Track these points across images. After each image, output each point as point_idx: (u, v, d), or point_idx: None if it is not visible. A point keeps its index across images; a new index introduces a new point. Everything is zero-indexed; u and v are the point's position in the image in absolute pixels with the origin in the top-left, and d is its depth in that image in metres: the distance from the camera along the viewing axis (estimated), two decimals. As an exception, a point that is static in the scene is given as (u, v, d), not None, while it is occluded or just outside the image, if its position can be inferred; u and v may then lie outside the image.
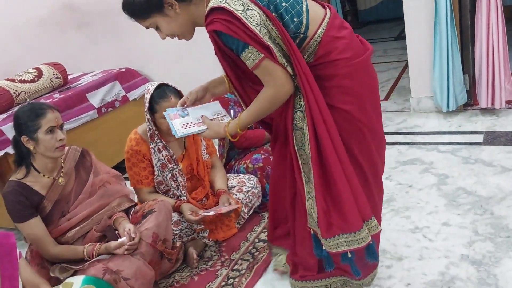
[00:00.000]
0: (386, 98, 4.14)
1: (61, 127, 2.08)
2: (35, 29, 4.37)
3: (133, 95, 3.80)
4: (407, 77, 4.30)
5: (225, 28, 1.46)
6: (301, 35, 1.55)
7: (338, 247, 1.65)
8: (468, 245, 2.13)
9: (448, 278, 1.97)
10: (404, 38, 3.70)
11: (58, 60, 3.87)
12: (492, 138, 3.04)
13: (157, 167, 2.48)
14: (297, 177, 1.72)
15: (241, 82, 1.67)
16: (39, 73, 3.56)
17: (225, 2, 1.46)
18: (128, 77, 3.77)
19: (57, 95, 3.39)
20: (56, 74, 3.65)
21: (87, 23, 4.17)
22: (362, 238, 1.64)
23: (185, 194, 2.53)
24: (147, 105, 2.39)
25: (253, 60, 1.49)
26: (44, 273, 2.09)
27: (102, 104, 3.51)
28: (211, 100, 1.91)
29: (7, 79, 3.40)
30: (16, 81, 3.40)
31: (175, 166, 2.50)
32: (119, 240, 2.08)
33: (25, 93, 3.37)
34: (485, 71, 3.27)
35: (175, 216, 2.43)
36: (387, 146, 3.17)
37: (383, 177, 2.80)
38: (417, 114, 3.66)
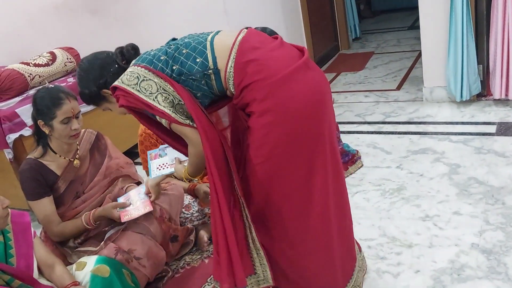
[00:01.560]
0: (399, 88, 4.12)
1: (76, 116, 2.11)
2: (48, 15, 4.39)
3: (145, 80, 3.81)
4: (419, 67, 4.28)
5: (127, 102, 1.54)
6: (211, 70, 1.51)
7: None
8: (478, 234, 2.13)
9: (458, 266, 1.97)
10: (417, 28, 3.68)
11: (71, 45, 3.89)
12: (505, 129, 3.01)
13: (169, 151, 2.50)
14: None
15: (171, 137, 1.66)
16: (53, 57, 3.59)
17: (120, 80, 1.56)
18: (141, 63, 3.78)
19: (71, 79, 3.41)
20: (70, 59, 3.67)
21: (100, 9, 4.18)
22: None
23: (196, 179, 2.54)
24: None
25: (165, 123, 1.54)
26: (59, 252, 2.13)
27: (115, 89, 3.53)
28: None
29: (22, 63, 3.43)
30: (31, 64, 3.43)
31: None
32: (119, 200, 2.16)
33: (39, 76, 3.40)
34: (500, 62, 3.24)
35: (186, 200, 2.45)
36: (398, 135, 3.22)
37: (394, 165, 2.84)
38: (430, 104, 3.64)
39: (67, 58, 3.65)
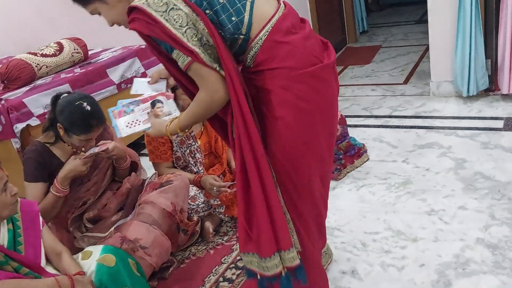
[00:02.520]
0: (406, 82, 4.10)
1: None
2: (56, 5, 4.39)
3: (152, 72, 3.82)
4: (427, 61, 4.25)
5: (146, 28, 1.34)
6: (242, 36, 1.39)
7: (251, 264, 1.49)
8: (484, 229, 2.13)
9: (463, 260, 1.97)
10: (425, 22, 3.66)
11: (79, 35, 3.90)
12: (513, 124, 3.00)
13: (175, 142, 2.51)
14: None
15: (184, 77, 1.46)
16: (60, 48, 3.59)
17: (146, 1, 1.33)
18: (148, 54, 3.78)
19: (77, 70, 3.42)
20: (77, 49, 3.68)
21: None
22: (268, 266, 1.43)
23: (202, 171, 2.55)
24: None
25: (182, 62, 1.35)
26: (68, 237, 2.15)
27: (122, 80, 3.53)
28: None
29: (29, 53, 3.44)
30: (38, 55, 3.43)
31: (193, 143, 2.52)
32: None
33: (47, 67, 3.41)
34: (509, 57, 3.21)
35: (192, 191, 2.46)
36: (404, 129, 3.21)
37: (400, 159, 2.83)
38: (437, 98, 3.63)
39: (74, 49, 3.65)
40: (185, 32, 1.32)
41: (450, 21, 3.36)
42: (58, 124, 2.06)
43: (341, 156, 2.83)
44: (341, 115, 2.97)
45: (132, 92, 1.78)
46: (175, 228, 2.27)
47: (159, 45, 1.37)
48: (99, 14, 1.54)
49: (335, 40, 5.34)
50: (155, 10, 1.31)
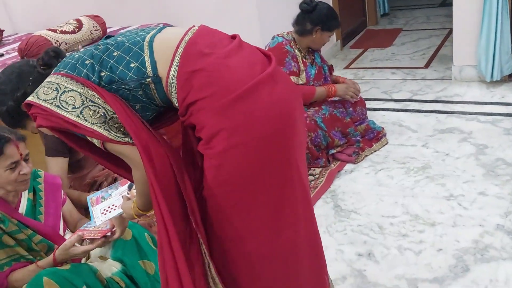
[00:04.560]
0: (427, 66, 4.02)
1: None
2: (75, -19, 4.39)
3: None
4: (449, 45, 4.17)
5: (47, 121, 1.22)
6: (150, 78, 1.20)
7: None
8: (504, 216, 2.09)
9: (482, 246, 1.95)
10: (448, 5, 3.58)
11: (98, 13, 3.89)
12: (537, 111, 2.93)
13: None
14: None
15: (107, 158, 1.34)
16: (80, 25, 3.59)
17: (34, 94, 1.24)
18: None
19: (96, 47, 3.43)
20: (96, 27, 3.67)
21: (127, -23, 4.17)
22: None
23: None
24: None
25: (97, 142, 1.22)
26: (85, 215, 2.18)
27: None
28: None
29: (49, 30, 3.44)
30: (57, 31, 3.44)
31: None
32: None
33: (66, 43, 3.41)
34: (535, 41, 3.13)
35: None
36: (425, 114, 3.16)
37: (420, 144, 2.79)
38: (458, 83, 3.55)
39: (93, 26, 3.65)
40: (80, 112, 1.19)
41: (475, 3, 3.27)
42: None
43: (359, 139, 2.80)
44: (360, 97, 2.93)
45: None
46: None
47: (68, 132, 1.25)
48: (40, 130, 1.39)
49: (355, 23, 5.25)
50: (44, 100, 1.21)
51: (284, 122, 1.22)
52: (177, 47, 1.22)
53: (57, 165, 2.10)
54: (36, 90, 1.25)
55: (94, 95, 1.21)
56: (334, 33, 3.15)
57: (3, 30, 4.29)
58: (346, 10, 4.86)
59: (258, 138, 1.18)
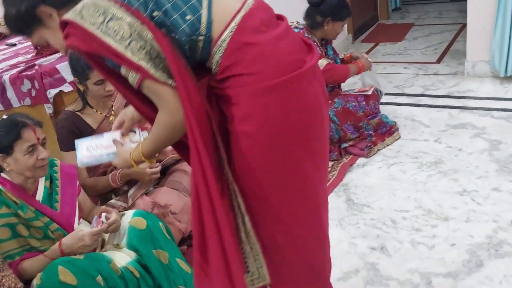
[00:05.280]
0: (439, 61, 4.00)
1: None
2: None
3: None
4: (461, 40, 4.15)
5: (83, 44, 1.12)
6: (202, 37, 1.15)
7: None
8: (518, 211, 2.09)
9: (496, 241, 1.94)
10: (460, 0, 3.53)
11: None
12: (552, 107, 2.91)
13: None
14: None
15: (137, 97, 1.22)
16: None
17: (77, 12, 1.11)
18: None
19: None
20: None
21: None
22: None
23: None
24: None
25: (132, 80, 1.14)
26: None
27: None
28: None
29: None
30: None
31: None
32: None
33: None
34: (551, 37, 3.10)
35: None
36: (437, 109, 3.14)
37: (432, 139, 2.78)
38: (471, 78, 3.53)
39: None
40: (128, 44, 1.10)
41: (490, -2, 3.25)
42: (74, 79, 2.13)
43: (371, 133, 2.79)
44: (373, 91, 2.92)
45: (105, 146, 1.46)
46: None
47: (104, 61, 1.16)
48: (48, 44, 1.29)
49: (367, 17, 5.22)
50: (91, 23, 1.10)
51: (315, 118, 1.23)
52: (237, 13, 1.16)
53: (73, 159, 2.11)
54: (76, 7, 1.12)
55: (143, 30, 1.11)
56: (345, 26, 3.13)
57: (15, 20, 4.30)
58: (357, 4, 4.83)
59: (289, 127, 1.18)
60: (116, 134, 1.44)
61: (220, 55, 1.16)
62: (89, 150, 1.43)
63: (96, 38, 1.09)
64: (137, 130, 1.47)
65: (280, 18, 1.27)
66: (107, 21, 1.10)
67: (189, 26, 1.14)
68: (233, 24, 1.16)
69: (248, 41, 1.15)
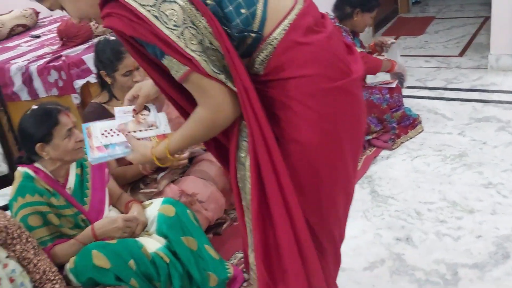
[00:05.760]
0: (461, 54, 3.96)
1: (137, 67, 2.15)
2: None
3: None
4: (484, 33, 4.10)
5: (127, 27, 1.01)
6: (253, 34, 1.07)
7: None
8: (545, 205, 2.08)
9: (522, 234, 1.94)
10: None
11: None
12: None
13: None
14: (239, 222, 1.28)
15: (177, 89, 1.15)
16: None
17: None
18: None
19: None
20: None
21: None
22: None
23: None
24: None
25: (176, 72, 1.04)
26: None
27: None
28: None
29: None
30: (95, 13, 3.49)
31: None
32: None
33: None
34: None
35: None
36: (460, 102, 3.13)
37: (456, 132, 2.77)
38: (495, 71, 3.49)
39: None
40: (181, 33, 1.00)
41: (516, -10, 3.21)
42: (101, 72, 2.15)
43: (395, 126, 2.80)
44: (397, 83, 2.92)
45: (118, 127, 1.33)
46: (229, 186, 2.31)
47: (144, 47, 1.07)
48: (62, 9, 1.18)
49: (387, 10, 5.18)
50: (141, 4, 0.98)
51: (360, 119, 1.21)
52: (290, 10, 1.09)
53: None
54: None
55: (197, 16, 1.00)
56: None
57: (39, 12, 4.37)
58: (378, -3, 4.81)
59: (345, 127, 1.14)
60: (128, 110, 1.34)
61: (267, 53, 1.08)
62: (105, 135, 1.30)
63: (145, 23, 0.99)
64: (151, 107, 1.35)
65: (323, 17, 1.21)
66: (160, 4, 0.98)
67: (243, 21, 1.06)
68: (286, 22, 1.08)
69: (302, 41, 1.08)
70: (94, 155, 1.27)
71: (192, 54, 1.01)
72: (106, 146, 1.28)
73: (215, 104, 1.07)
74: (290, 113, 1.10)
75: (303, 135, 1.10)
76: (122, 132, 1.30)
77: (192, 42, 1.01)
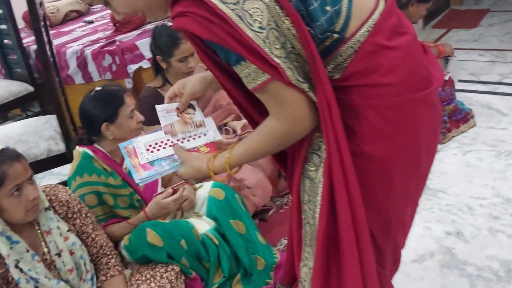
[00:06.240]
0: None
1: (192, 53, 2.19)
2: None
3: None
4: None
5: (203, 29, 0.89)
6: (335, 35, 0.94)
7: None
8: None
9: None
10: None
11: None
12: None
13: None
14: (294, 232, 1.20)
15: (247, 96, 1.02)
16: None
17: None
18: None
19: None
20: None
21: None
22: None
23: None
24: None
25: (253, 80, 0.92)
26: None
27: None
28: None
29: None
30: None
31: None
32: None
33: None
34: None
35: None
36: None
37: (511, 128, 2.67)
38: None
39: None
40: (267, 37, 0.87)
41: None
42: (157, 57, 2.19)
43: (446, 119, 2.73)
44: (450, 76, 2.84)
45: (164, 130, 1.21)
46: (276, 174, 2.34)
47: (215, 52, 0.95)
48: (105, 3, 1.06)
49: (439, 1, 5.04)
50: (223, 1, 0.85)
51: (438, 128, 1.12)
52: (374, 9, 0.97)
53: None
54: None
55: (280, 15, 0.88)
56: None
57: (93, -1, 4.49)
58: (430, -12, 4.68)
59: (423, 139, 1.04)
60: (171, 108, 1.22)
61: (347, 57, 0.96)
62: (151, 150, 1.18)
63: (226, 24, 0.86)
64: (195, 105, 1.24)
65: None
66: (243, 1, 0.86)
67: (327, 20, 0.94)
68: (370, 22, 0.96)
69: (387, 45, 0.96)
70: (140, 175, 1.14)
71: (277, 60, 0.88)
72: (152, 162, 1.16)
73: (294, 116, 0.96)
74: (365, 124, 0.98)
75: (379, 150, 1.00)
76: (168, 134, 1.18)
77: (276, 46, 0.88)
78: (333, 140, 0.96)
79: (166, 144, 1.18)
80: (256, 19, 0.86)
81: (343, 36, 0.95)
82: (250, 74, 0.91)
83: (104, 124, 1.71)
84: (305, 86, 0.93)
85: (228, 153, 1.06)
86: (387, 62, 0.96)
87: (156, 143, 1.19)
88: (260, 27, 0.86)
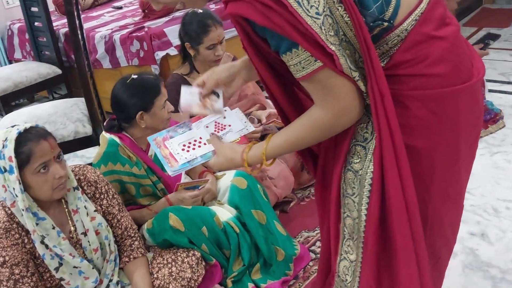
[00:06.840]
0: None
1: (221, 42, 2.19)
2: None
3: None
4: None
5: (260, 16, 0.87)
6: (385, 23, 0.93)
7: None
8: None
9: None
10: None
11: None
12: None
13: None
14: (331, 225, 1.16)
15: (287, 90, 1.04)
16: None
17: None
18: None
19: (212, 6, 3.51)
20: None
21: None
22: None
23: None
24: None
25: (303, 68, 0.90)
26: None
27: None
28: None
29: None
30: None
31: None
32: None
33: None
34: None
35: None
36: None
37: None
38: None
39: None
40: (322, 23, 0.85)
41: None
42: (185, 44, 2.20)
43: (474, 119, 2.68)
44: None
45: (182, 106, 1.25)
46: (299, 166, 2.33)
47: (263, 40, 0.94)
48: None
49: (470, 0, 4.94)
50: None
51: (480, 118, 1.09)
52: (420, 1, 0.95)
53: (180, 120, 2.23)
54: None
55: (335, 2, 0.87)
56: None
57: (121, -16, 4.52)
58: (463, -15, 4.59)
59: (465, 132, 1.02)
60: (195, 91, 1.23)
61: (393, 46, 0.95)
62: (186, 149, 1.18)
63: (286, 10, 0.84)
64: (220, 93, 1.24)
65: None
66: None
67: (378, 8, 0.92)
68: (417, 11, 0.94)
69: (435, 35, 0.94)
70: (173, 167, 1.15)
71: (333, 47, 0.87)
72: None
73: (342, 107, 0.94)
74: (409, 115, 0.97)
75: (421, 141, 0.98)
76: (186, 112, 1.21)
77: (330, 33, 0.87)
78: (386, 130, 0.93)
79: (200, 142, 1.19)
80: (313, 5, 0.84)
81: (392, 24, 0.94)
82: (301, 62, 0.90)
83: (140, 112, 1.72)
84: (356, 74, 0.91)
85: (265, 144, 1.04)
86: (435, 52, 0.94)
87: (189, 142, 1.19)
88: (317, 13, 0.84)
